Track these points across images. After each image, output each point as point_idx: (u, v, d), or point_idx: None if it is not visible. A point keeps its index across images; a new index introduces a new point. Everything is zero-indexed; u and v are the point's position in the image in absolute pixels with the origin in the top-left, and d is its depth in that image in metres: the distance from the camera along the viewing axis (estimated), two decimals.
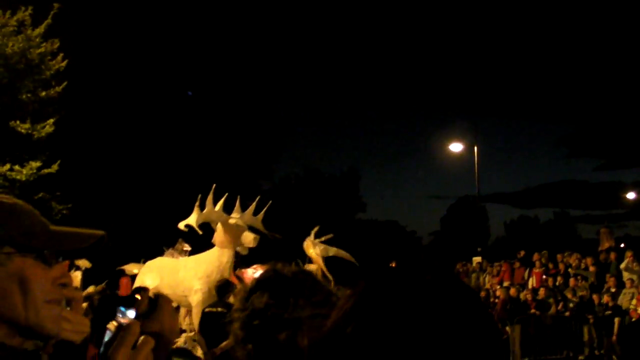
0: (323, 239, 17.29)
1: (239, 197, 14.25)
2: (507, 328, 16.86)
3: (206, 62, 45.35)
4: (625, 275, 18.82)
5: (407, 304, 1.14)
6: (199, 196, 13.68)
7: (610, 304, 17.10)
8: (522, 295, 19.07)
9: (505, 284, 21.59)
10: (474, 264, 26.89)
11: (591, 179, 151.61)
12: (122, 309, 1.62)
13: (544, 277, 21.22)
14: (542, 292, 19.57)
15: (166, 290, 12.99)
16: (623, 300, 17.33)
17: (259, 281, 2.40)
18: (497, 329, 1.27)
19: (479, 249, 31.29)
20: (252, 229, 13.91)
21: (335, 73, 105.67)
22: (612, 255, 21.19)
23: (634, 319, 16.29)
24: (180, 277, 13.85)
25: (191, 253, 16.85)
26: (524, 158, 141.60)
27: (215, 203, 13.71)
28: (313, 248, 16.83)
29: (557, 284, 20.24)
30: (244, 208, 14.15)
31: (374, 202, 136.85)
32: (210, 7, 51.23)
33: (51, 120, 23.04)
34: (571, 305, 18.45)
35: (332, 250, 17.37)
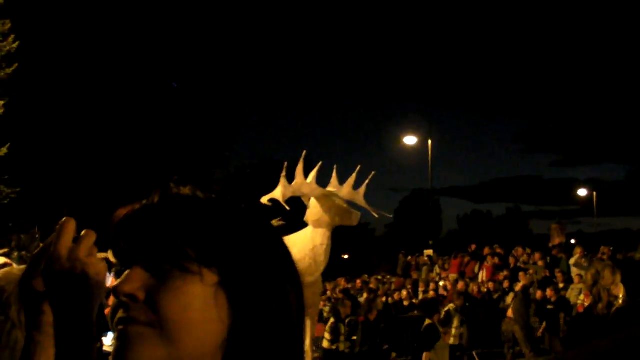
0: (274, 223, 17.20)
1: (335, 167, 12.05)
2: (456, 321, 16.86)
3: (163, 50, 44.98)
4: (574, 270, 18.97)
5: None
6: (285, 164, 11.32)
7: (554, 298, 17.21)
8: (470, 289, 19.14)
9: (454, 277, 21.70)
10: (425, 257, 27.02)
11: (545, 175, 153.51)
12: None
13: (494, 271, 21.37)
14: (491, 286, 19.69)
15: None
16: (571, 296, 17.45)
17: None
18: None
19: (430, 242, 31.44)
20: (351, 204, 11.79)
21: (291, 64, 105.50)
22: (555, 251, 21.45)
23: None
24: None
25: None
26: (480, 153, 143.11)
27: (306, 174, 11.52)
28: None
29: (505, 278, 20.36)
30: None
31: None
32: None
33: (1, 102, 22.65)
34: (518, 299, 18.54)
35: None
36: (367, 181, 12.01)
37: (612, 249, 20.74)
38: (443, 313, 16.03)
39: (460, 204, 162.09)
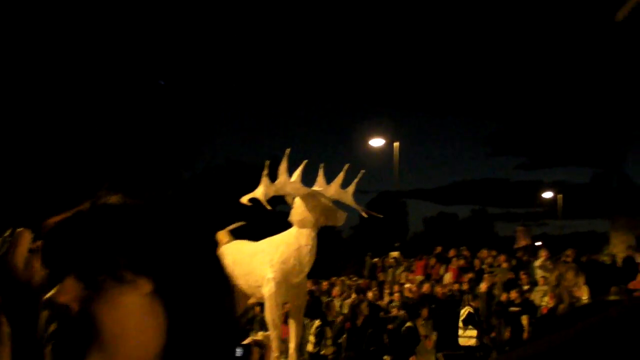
0: (233, 226, 16.97)
1: (322, 165, 11.60)
2: (421, 323, 16.87)
3: (131, 49, 44.60)
4: (539, 273, 19.08)
5: None
6: (267, 163, 10.92)
7: (518, 300, 17.27)
8: (436, 291, 19.14)
9: (420, 279, 21.74)
10: (391, 259, 27.05)
11: (511, 177, 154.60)
12: None
13: (460, 273, 21.43)
14: (455, 287, 19.74)
15: (239, 281, 11.31)
16: (535, 298, 17.53)
17: None
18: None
19: (396, 244, 31.50)
20: (338, 204, 11.40)
21: (259, 63, 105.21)
22: (520, 253, 21.59)
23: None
24: (254, 263, 11.64)
25: None
26: (447, 155, 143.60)
27: (290, 172, 11.13)
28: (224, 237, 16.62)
29: (470, 280, 20.41)
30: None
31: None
32: None
33: None
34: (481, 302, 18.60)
35: None
36: (356, 180, 11.70)
37: (576, 251, 20.89)
38: (465, 314, 15.98)
39: (427, 206, 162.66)
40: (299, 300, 11.78)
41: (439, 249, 24.61)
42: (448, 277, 21.66)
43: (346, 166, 11.61)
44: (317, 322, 15.34)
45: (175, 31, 51.25)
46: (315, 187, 11.31)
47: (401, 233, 49.87)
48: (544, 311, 16.56)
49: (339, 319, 16.99)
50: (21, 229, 1.49)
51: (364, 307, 14.80)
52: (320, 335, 15.06)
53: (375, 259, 27.68)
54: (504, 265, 20.52)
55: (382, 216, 12.80)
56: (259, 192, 11.01)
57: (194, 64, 60.42)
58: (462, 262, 22.21)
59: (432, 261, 23.61)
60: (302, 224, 11.06)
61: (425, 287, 19.17)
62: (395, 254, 27.82)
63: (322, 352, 15.05)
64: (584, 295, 12.19)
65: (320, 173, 11.44)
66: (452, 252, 23.43)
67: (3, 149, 32.59)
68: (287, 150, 11.06)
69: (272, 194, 11.01)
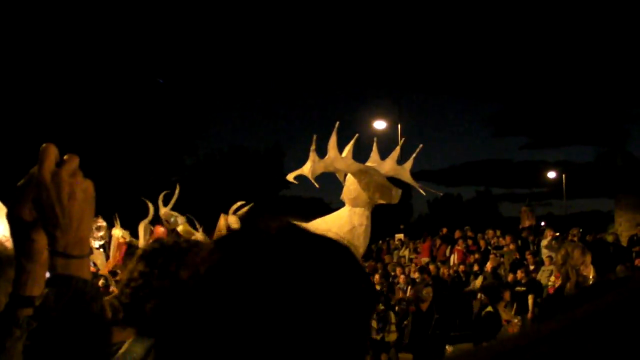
0: (241, 210, 16.88)
1: (375, 139, 11.00)
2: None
3: (132, 40, 44.49)
4: (545, 252, 19.04)
5: (253, 254, 1.08)
6: (314, 137, 9.99)
7: (524, 280, 17.23)
8: (441, 272, 19.10)
9: (425, 260, 21.72)
10: (396, 241, 27.04)
11: (515, 157, 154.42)
12: None
13: (466, 254, 21.42)
14: (461, 269, 19.72)
15: None
16: (541, 277, 17.50)
17: (142, 252, 2.39)
18: (360, 277, 1.15)
19: (401, 226, 31.48)
20: (393, 181, 10.52)
21: (260, 49, 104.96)
22: (525, 233, 21.55)
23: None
24: None
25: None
26: (450, 136, 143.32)
27: (340, 148, 10.24)
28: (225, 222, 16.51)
29: (476, 261, 20.38)
30: None
31: (300, 178, 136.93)
32: None
33: None
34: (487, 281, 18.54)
35: None
36: (414, 155, 11.01)
37: (581, 230, 20.85)
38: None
39: (431, 187, 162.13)
40: None
41: (444, 231, 24.60)
42: (454, 258, 21.64)
43: (402, 140, 11.18)
44: (379, 306, 14.22)
45: (176, 20, 51.13)
46: (369, 163, 10.62)
47: (406, 215, 49.84)
48: (550, 291, 16.53)
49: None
50: (45, 144, 1.53)
51: (427, 292, 13.60)
52: (383, 320, 14.04)
53: (380, 242, 27.70)
54: (511, 246, 20.46)
55: (441, 194, 11.76)
56: (307, 169, 9.99)
57: (196, 52, 60.31)
58: (469, 242, 22.19)
59: (438, 242, 23.59)
60: (355, 203, 10.30)
61: (431, 269, 19.09)
62: (400, 235, 27.82)
63: (386, 339, 13.95)
64: (590, 274, 12.15)
65: (374, 148, 10.84)
66: (457, 234, 23.41)
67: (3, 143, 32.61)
68: (337, 124, 10.25)
69: (320, 170, 10.09)
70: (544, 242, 19.78)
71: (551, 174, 57.51)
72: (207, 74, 69.13)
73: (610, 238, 20.49)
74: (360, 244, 10.22)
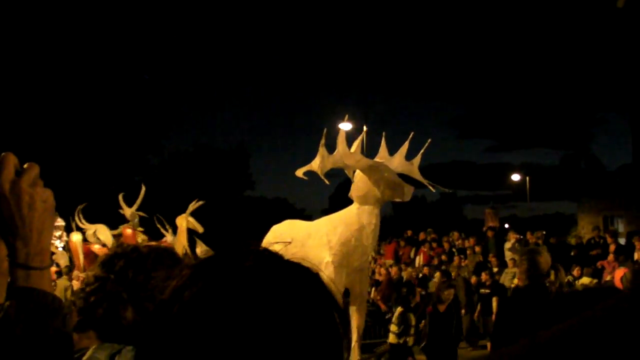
0: (192, 208, 16.77)
1: (384, 133, 10.51)
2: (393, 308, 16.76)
3: (94, 36, 44.10)
4: (508, 255, 19.14)
5: (230, 289, 1.10)
6: (324, 131, 9.50)
7: (488, 282, 17.31)
8: (405, 275, 19.09)
9: (390, 262, 21.73)
10: None
11: (480, 160, 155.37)
12: None
13: (430, 255, 21.47)
14: (425, 271, 19.74)
15: None
16: (505, 280, 17.58)
17: (102, 256, 2.38)
18: (329, 303, 1.17)
19: None
20: (402, 178, 10.13)
21: (227, 49, 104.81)
22: (490, 233, 21.64)
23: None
24: (309, 245, 10.23)
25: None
26: (415, 138, 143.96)
27: (349, 143, 9.80)
28: (183, 222, 16.52)
29: (441, 263, 20.43)
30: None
31: (265, 179, 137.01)
32: None
33: None
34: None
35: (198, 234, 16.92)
36: (422, 150, 10.73)
37: (544, 232, 21.00)
38: None
39: None
40: (361, 286, 10.50)
41: (409, 233, 24.62)
42: (419, 260, 21.67)
43: (411, 135, 10.68)
44: (399, 309, 13.50)
45: (139, 19, 50.86)
46: (377, 159, 10.23)
47: None
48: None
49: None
50: (4, 153, 1.50)
51: (449, 293, 12.92)
52: (404, 322, 13.12)
53: None
54: (477, 249, 20.52)
55: (450, 191, 11.48)
56: (316, 165, 9.54)
57: (162, 52, 60.02)
58: (433, 244, 22.28)
59: (402, 244, 23.60)
60: (364, 200, 9.91)
61: (394, 271, 19.10)
62: None
63: (409, 344, 13.04)
64: (551, 276, 12.20)
65: (383, 143, 10.45)
66: (422, 236, 23.45)
67: None
68: (347, 116, 9.89)
69: (330, 166, 9.67)
70: (508, 245, 19.89)
71: (515, 177, 57.86)
72: (173, 73, 68.80)
73: (572, 241, 20.66)
74: (369, 245, 10.00)
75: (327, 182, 9.66)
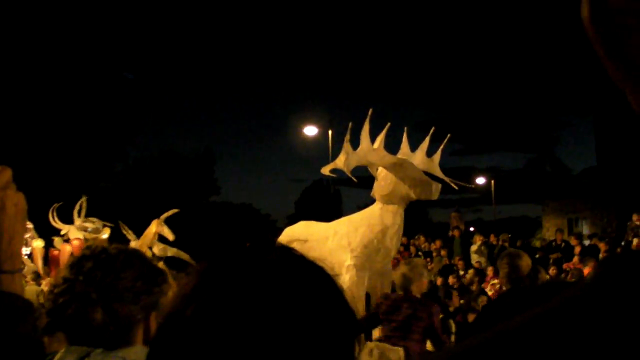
0: (165, 215, 16.80)
1: (406, 128, 10.21)
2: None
3: (58, 38, 43.71)
4: (474, 258, 19.23)
5: (250, 284, 1.10)
6: (350, 125, 9.02)
7: (456, 285, 17.35)
8: None
9: None
10: None
11: (446, 163, 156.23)
12: None
13: (396, 259, 21.50)
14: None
15: None
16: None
17: (71, 259, 2.36)
18: (346, 304, 1.18)
19: None
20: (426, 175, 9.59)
21: (193, 54, 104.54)
22: (457, 233, 21.74)
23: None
24: (327, 248, 9.69)
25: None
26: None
27: (372, 139, 9.28)
28: (153, 226, 16.58)
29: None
30: None
31: (231, 185, 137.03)
32: None
33: None
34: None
35: (172, 251, 16.96)
36: (441, 147, 10.36)
37: (510, 235, 21.12)
38: None
39: (361, 193, 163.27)
40: (383, 290, 9.58)
41: None
42: None
43: (432, 129, 10.30)
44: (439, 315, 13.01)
45: (103, 22, 50.53)
46: (400, 156, 9.78)
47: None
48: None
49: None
50: None
51: (482, 300, 12.44)
52: (445, 331, 12.72)
53: None
54: (442, 252, 20.59)
55: (473, 186, 10.91)
56: (341, 162, 8.92)
57: (126, 56, 59.65)
58: (400, 248, 22.32)
59: None
60: (388, 200, 9.40)
61: None
62: None
63: None
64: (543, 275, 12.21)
65: (404, 139, 10.05)
66: None
67: None
68: (370, 111, 9.27)
69: (355, 163, 9.09)
70: (474, 248, 19.96)
71: (480, 180, 58.23)
72: (138, 78, 68.39)
73: (537, 243, 20.79)
74: (392, 247, 9.63)
75: (354, 180, 9.17)
